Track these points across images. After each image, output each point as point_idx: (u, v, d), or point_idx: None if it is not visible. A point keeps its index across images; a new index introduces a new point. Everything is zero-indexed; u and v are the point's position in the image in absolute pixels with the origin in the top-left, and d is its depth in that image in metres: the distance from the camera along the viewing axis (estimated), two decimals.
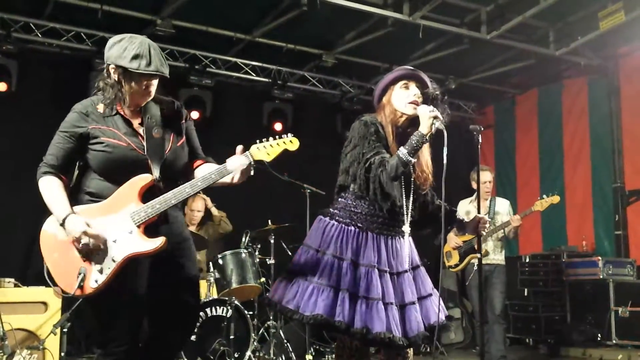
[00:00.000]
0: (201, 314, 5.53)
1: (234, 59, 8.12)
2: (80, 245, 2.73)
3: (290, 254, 6.92)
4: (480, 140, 3.32)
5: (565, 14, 7.23)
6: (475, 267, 5.95)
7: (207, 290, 5.95)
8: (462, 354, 7.81)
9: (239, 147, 2.95)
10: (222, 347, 5.47)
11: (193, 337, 5.43)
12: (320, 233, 3.17)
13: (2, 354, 4.99)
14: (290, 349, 6.20)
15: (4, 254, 6.62)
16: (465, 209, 6.19)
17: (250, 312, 5.93)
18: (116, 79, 2.87)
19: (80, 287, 2.72)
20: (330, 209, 3.23)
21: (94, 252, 2.75)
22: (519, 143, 9.57)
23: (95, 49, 7.27)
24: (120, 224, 2.79)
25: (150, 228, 2.83)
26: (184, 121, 3.09)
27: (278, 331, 6.23)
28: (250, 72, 8.28)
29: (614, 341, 7.07)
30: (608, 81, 8.33)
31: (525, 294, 7.94)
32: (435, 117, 2.99)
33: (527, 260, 8.09)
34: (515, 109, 9.69)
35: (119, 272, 2.76)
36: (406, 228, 3.18)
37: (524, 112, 9.54)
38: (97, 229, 2.75)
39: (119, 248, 2.77)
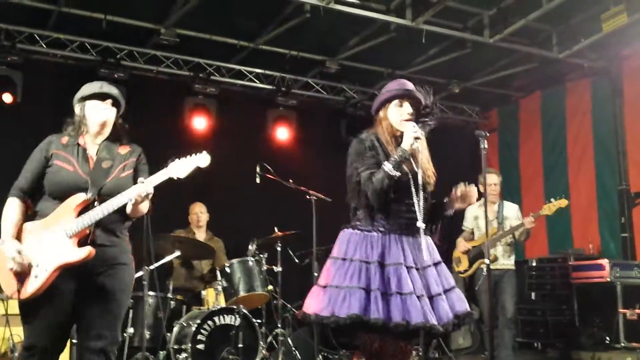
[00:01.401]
0: (209, 322, 5.54)
1: (237, 67, 8.14)
2: (8, 267, 3.18)
3: (297, 261, 6.93)
4: (486, 146, 3.33)
5: (568, 16, 7.23)
6: (484, 272, 5.93)
7: (214, 299, 5.96)
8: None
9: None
10: (230, 356, 5.46)
11: (202, 347, 5.46)
12: (345, 243, 3.38)
13: None
14: (299, 357, 6.19)
15: None
16: (474, 213, 6.18)
17: (259, 320, 5.92)
18: (78, 113, 3.43)
19: (17, 291, 3.17)
20: (352, 222, 3.45)
21: (22, 273, 3.18)
22: (522, 146, 9.56)
23: (99, 58, 7.32)
24: (55, 237, 3.22)
25: (84, 245, 3.24)
26: (135, 159, 3.50)
27: (286, 339, 6.23)
28: (254, 79, 8.29)
29: (622, 344, 7.02)
30: (611, 83, 8.32)
31: (533, 297, 7.92)
32: (417, 138, 3.31)
33: (534, 264, 8.08)
34: (518, 112, 9.69)
35: (52, 282, 3.18)
36: (420, 224, 3.33)
37: (527, 114, 9.53)
38: (29, 250, 3.21)
39: (52, 258, 3.19)
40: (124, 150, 3.49)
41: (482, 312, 6.49)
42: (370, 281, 3.23)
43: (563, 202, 5.87)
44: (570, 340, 7.50)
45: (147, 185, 3.25)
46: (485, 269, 5.89)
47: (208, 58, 7.92)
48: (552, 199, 5.94)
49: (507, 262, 6.12)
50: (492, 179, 6.16)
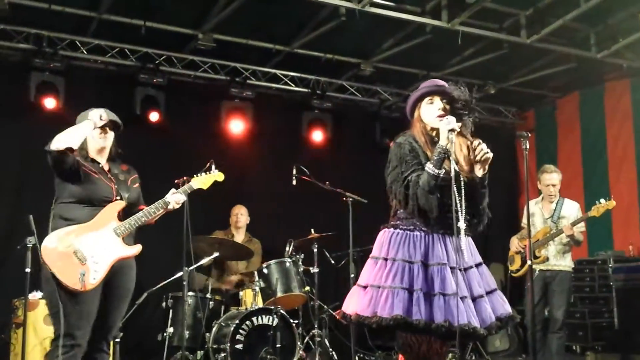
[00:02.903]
0: (247, 322, 5.62)
1: (273, 71, 8.22)
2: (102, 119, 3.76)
3: (333, 262, 6.97)
4: (528, 147, 3.32)
5: (606, 16, 7.12)
6: (537, 273, 5.84)
7: (252, 299, 6.03)
8: None
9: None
10: (269, 356, 5.53)
11: (240, 346, 5.54)
12: (387, 242, 3.32)
13: None
14: (336, 358, 6.23)
15: None
16: (531, 210, 5.89)
17: (296, 321, 5.98)
18: None
19: (82, 284, 3.60)
20: (392, 222, 3.40)
21: (78, 267, 3.63)
22: (560, 147, 9.44)
23: (139, 64, 7.46)
24: (106, 236, 3.78)
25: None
26: (136, 176, 4.11)
27: (323, 340, 6.27)
28: (290, 82, 8.36)
29: None
30: None
31: (572, 300, 7.81)
32: (451, 130, 3.21)
33: (573, 266, 7.96)
34: (556, 113, 9.57)
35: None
36: (461, 224, 3.23)
37: (565, 115, 9.41)
38: (83, 248, 3.68)
39: (108, 253, 3.75)
40: (124, 168, 4.09)
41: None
42: (413, 281, 3.17)
43: (611, 204, 5.67)
44: (609, 344, 7.39)
45: (181, 195, 4.07)
46: (537, 270, 5.84)
47: (244, 62, 8.01)
48: (602, 200, 5.75)
49: (560, 262, 5.89)
50: (551, 179, 5.96)
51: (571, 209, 5.97)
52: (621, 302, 7.52)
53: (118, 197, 3.87)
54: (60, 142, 3.61)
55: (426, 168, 3.24)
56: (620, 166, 8.49)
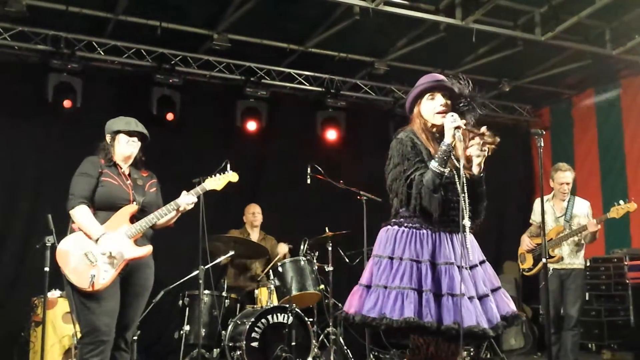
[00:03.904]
0: (263, 320, 5.66)
1: (287, 70, 8.26)
2: (106, 257, 3.83)
3: (347, 260, 6.99)
4: (542, 144, 3.31)
5: (621, 12, 7.08)
6: (551, 271, 5.81)
7: (267, 297, 6.07)
8: None
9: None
10: (284, 354, 5.57)
11: (256, 344, 5.59)
12: (392, 241, 3.19)
13: None
14: (351, 356, 6.26)
15: None
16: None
17: (311, 319, 6.01)
18: (109, 142, 4.12)
19: (92, 284, 3.75)
20: (394, 220, 3.26)
21: (90, 268, 3.82)
22: (577, 145, 9.37)
23: (155, 64, 7.52)
24: (118, 238, 3.91)
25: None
26: (155, 181, 4.28)
27: (338, 338, 6.29)
28: (304, 82, 8.39)
29: None
30: None
31: (587, 298, 7.78)
32: (457, 127, 3.12)
33: (589, 263, 7.93)
34: (572, 110, 9.52)
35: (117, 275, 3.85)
36: (466, 222, 3.11)
37: (581, 113, 9.35)
38: (95, 250, 3.84)
39: (119, 255, 3.87)
40: (144, 174, 4.24)
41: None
42: (422, 281, 3.06)
43: (632, 206, 5.59)
44: (625, 342, 7.35)
45: (192, 196, 4.16)
46: (550, 268, 5.80)
47: (259, 62, 8.05)
48: (621, 201, 5.69)
49: (574, 261, 5.85)
50: (564, 178, 5.89)
51: (582, 208, 5.94)
52: (637, 299, 7.48)
53: (134, 201, 4.02)
54: (73, 214, 3.89)
55: (430, 166, 3.14)
56: (638, 164, 8.42)
